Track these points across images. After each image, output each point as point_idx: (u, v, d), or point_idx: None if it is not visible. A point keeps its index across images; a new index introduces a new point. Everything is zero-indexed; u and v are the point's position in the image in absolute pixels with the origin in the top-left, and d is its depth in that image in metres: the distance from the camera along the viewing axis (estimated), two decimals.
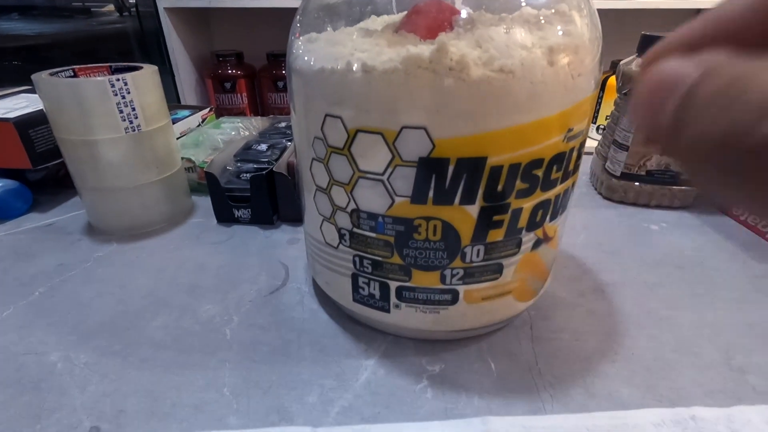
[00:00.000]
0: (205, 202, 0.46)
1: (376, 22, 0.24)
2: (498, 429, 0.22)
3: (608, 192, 0.47)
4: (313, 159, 0.25)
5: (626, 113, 0.43)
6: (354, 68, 0.21)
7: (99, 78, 0.35)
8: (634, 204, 0.46)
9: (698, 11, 1.28)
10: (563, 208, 0.26)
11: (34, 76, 0.36)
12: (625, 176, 0.45)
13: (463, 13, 0.22)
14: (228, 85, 1.28)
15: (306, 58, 0.23)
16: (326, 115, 0.22)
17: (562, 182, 0.24)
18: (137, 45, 1.40)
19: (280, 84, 1.28)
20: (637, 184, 0.45)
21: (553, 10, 0.22)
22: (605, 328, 0.30)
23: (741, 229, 0.42)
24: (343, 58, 0.21)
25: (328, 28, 0.25)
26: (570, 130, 0.22)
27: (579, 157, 0.25)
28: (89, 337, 0.29)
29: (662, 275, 0.35)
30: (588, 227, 0.43)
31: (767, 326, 0.30)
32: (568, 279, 0.35)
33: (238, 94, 1.30)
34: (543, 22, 0.21)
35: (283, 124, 0.56)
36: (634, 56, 0.45)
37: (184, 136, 0.53)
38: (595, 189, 0.50)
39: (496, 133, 0.20)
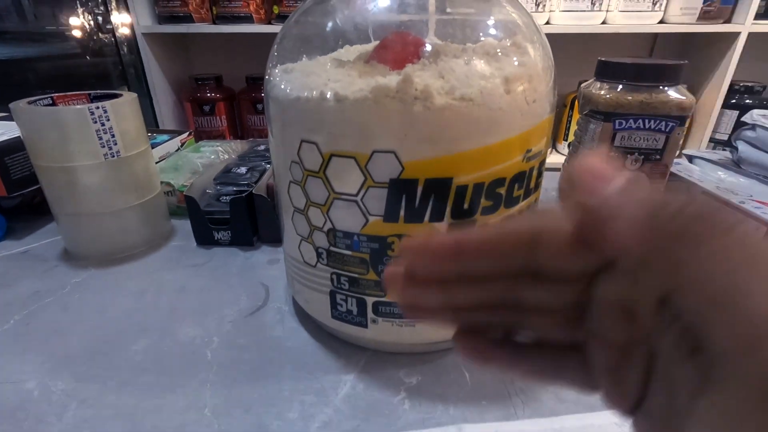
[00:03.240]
0: (184, 226, 0.47)
1: (349, 52, 0.26)
2: None
3: None
4: (291, 182, 0.26)
5: (587, 132, 0.46)
6: (328, 97, 0.22)
7: (79, 106, 0.35)
8: None
9: (656, 36, 1.36)
10: None
11: (12, 105, 0.36)
12: None
13: (428, 46, 0.24)
14: (207, 108, 1.29)
15: (282, 87, 0.25)
16: (302, 141, 0.24)
17: (524, 199, 0.26)
18: (114, 69, 1.40)
19: (260, 106, 1.30)
20: None
21: (509, 42, 0.25)
22: None
23: None
24: (317, 87, 0.23)
25: (304, 58, 0.26)
26: (529, 150, 0.24)
27: (540, 174, 0.27)
28: (67, 364, 0.29)
29: None
30: None
31: None
32: None
33: (217, 117, 1.31)
34: (500, 53, 0.24)
35: (262, 147, 0.57)
36: (593, 79, 0.48)
37: (163, 161, 0.53)
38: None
39: (460, 156, 0.22)
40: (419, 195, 0.23)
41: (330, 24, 0.27)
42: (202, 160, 0.53)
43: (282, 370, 0.29)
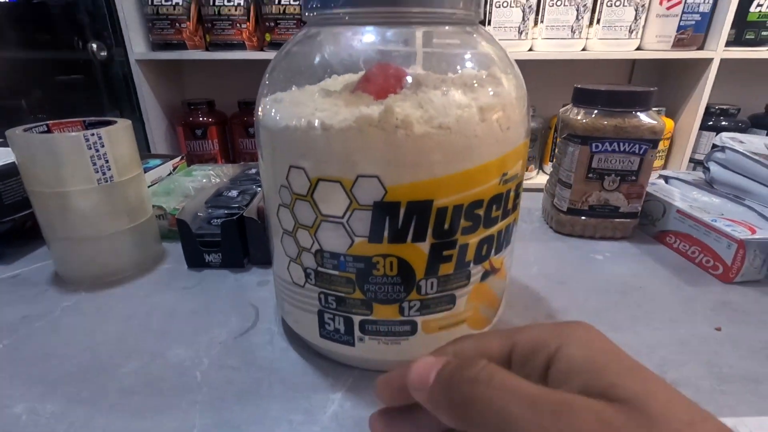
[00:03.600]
0: (175, 249, 0.47)
1: (336, 82, 0.28)
2: None
3: (558, 226, 0.51)
4: (280, 205, 0.27)
5: (566, 155, 0.48)
6: (315, 125, 0.24)
7: (74, 133, 0.36)
8: (581, 236, 0.50)
9: (634, 62, 1.42)
10: (507, 242, 0.29)
11: (8, 132, 0.37)
12: (571, 211, 0.49)
13: (409, 78, 0.25)
14: (199, 132, 1.31)
15: (272, 115, 0.26)
16: (291, 166, 0.25)
17: (502, 219, 0.27)
18: (107, 94, 1.42)
19: (251, 130, 1.32)
20: (583, 218, 0.49)
21: (485, 74, 0.26)
22: None
23: (674, 256, 0.46)
24: (305, 116, 0.24)
25: (293, 87, 0.28)
26: (505, 174, 0.26)
27: (517, 196, 0.28)
28: (56, 387, 0.29)
29: (606, 300, 0.39)
30: (541, 259, 0.46)
31: (696, 343, 0.33)
32: (522, 308, 0.38)
33: (209, 141, 1.32)
34: (476, 84, 0.25)
35: (253, 171, 0.58)
36: (570, 105, 0.50)
37: (156, 185, 0.54)
38: (547, 223, 0.54)
39: (440, 180, 0.23)
40: (402, 217, 0.24)
41: (318, 57, 0.28)
42: (194, 184, 0.54)
43: (271, 389, 0.29)
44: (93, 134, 0.37)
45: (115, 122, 0.41)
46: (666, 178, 0.56)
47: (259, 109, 0.28)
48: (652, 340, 0.33)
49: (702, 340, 0.33)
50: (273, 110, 0.26)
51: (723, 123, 1.27)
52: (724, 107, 1.27)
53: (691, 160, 1.31)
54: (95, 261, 0.41)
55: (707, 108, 1.24)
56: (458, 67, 0.27)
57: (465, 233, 0.25)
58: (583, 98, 0.47)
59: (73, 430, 0.26)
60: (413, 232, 0.24)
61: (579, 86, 0.48)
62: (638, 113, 0.45)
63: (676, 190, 0.52)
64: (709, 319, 0.36)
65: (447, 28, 0.27)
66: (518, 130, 0.26)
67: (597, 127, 0.45)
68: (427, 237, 0.24)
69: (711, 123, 1.28)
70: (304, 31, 0.28)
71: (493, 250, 0.27)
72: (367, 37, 0.27)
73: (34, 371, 0.31)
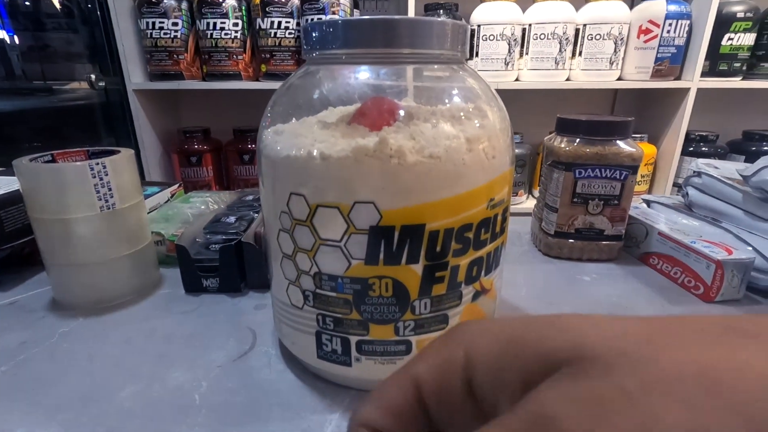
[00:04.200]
0: (173, 274, 0.48)
1: (333, 113, 0.30)
2: None
3: (546, 249, 0.53)
4: (280, 230, 0.28)
5: (551, 180, 0.50)
6: (314, 155, 0.25)
7: (79, 163, 0.38)
8: (569, 258, 0.52)
9: (616, 92, 1.48)
10: (496, 263, 0.30)
11: (15, 162, 0.38)
12: (559, 234, 0.51)
13: (401, 112, 0.27)
14: (194, 159, 1.32)
15: (274, 146, 0.28)
16: (291, 194, 0.27)
17: (491, 242, 0.29)
18: (104, 123, 1.44)
19: (246, 157, 1.34)
20: (570, 241, 0.51)
21: (471, 107, 0.29)
22: None
23: (657, 277, 0.48)
24: (305, 147, 0.26)
25: (293, 120, 0.30)
26: (492, 199, 0.27)
27: (504, 220, 0.30)
28: (55, 412, 0.30)
29: None
30: (530, 281, 0.47)
31: None
32: None
33: (204, 168, 1.34)
34: (463, 117, 0.27)
35: (250, 197, 0.60)
36: (554, 133, 0.53)
37: (154, 211, 0.55)
38: (536, 246, 0.56)
39: (431, 205, 0.25)
40: (396, 240, 0.25)
41: (317, 92, 0.30)
42: (192, 210, 0.55)
43: (269, 411, 0.30)
44: (98, 163, 0.38)
45: (118, 152, 0.43)
46: (648, 202, 0.58)
47: (261, 139, 0.30)
48: None
49: None
50: (274, 141, 0.28)
51: (703, 149, 1.32)
52: (704, 134, 1.32)
53: (675, 184, 1.35)
54: (94, 286, 0.42)
55: (687, 134, 1.29)
56: (447, 101, 0.29)
57: (456, 255, 0.27)
58: (565, 127, 0.50)
59: None
60: (407, 254, 0.26)
61: (561, 116, 0.51)
62: (617, 141, 0.48)
63: (657, 213, 0.54)
64: None
65: (435, 67, 0.29)
66: (503, 158, 0.28)
67: (579, 155, 0.48)
68: (420, 259, 0.26)
69: (692, 149, 1.33)
70: (304, 68, 0.30)
71: (483, 271, 0.29)
72: (362, 75, 0.29)
73: (34, 396, 0.31)
